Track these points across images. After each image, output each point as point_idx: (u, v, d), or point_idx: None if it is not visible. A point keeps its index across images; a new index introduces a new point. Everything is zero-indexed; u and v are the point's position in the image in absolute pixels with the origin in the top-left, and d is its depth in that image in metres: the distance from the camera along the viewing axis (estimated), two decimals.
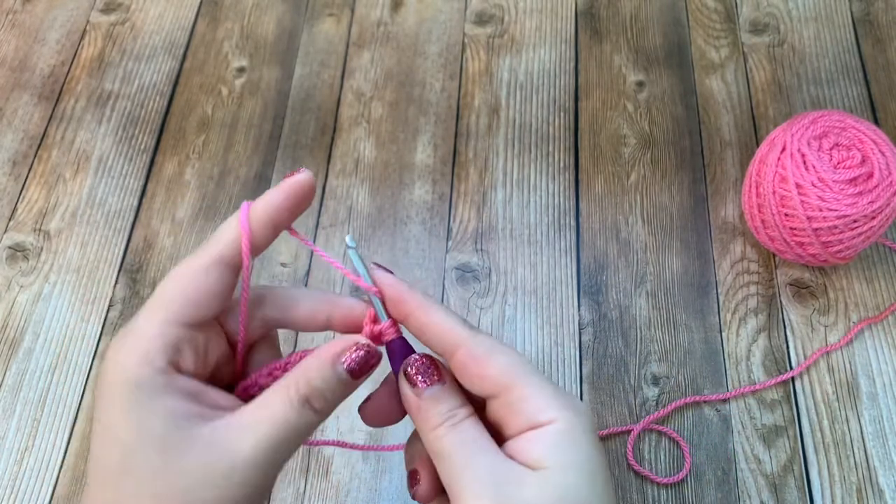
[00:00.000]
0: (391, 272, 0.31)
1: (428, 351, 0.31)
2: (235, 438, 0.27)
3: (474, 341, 0.29)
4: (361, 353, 0.30)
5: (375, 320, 0.31)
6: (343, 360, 0.29)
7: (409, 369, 0.30)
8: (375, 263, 0.32)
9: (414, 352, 0.31)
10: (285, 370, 0.31)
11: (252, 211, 0.30)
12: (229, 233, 0.30)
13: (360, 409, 0.33)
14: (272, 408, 0.28)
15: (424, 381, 0.30)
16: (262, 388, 0.31)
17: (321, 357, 0.30)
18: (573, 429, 0.28)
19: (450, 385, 0.30)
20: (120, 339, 0.28)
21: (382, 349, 0.31)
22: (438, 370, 0.30)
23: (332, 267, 0.61)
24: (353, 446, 0.40)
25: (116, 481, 0.27)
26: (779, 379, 0.55)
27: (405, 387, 0.30)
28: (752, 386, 0.55)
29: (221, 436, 0.27)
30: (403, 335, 0.32)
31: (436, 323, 0.30)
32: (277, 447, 0.28)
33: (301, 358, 0.31)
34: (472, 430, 0.29)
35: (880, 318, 0.57)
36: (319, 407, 0.29)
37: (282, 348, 0.35)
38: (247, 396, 0.30)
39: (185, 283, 0.29)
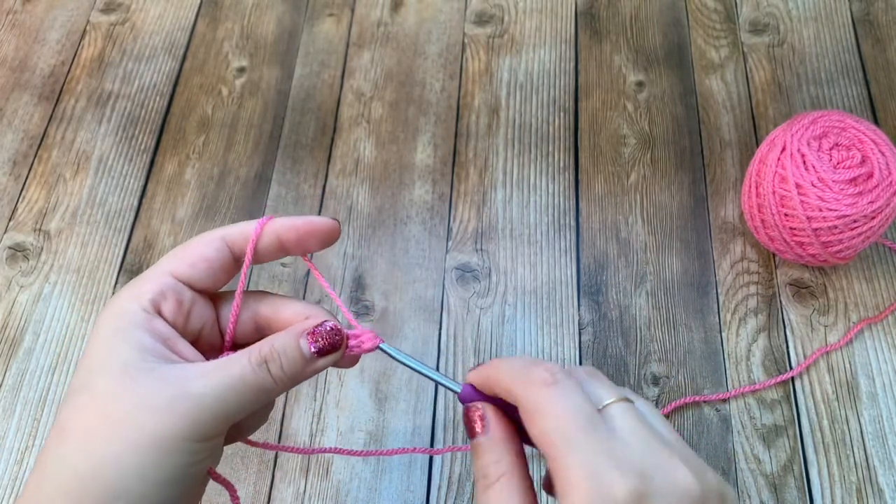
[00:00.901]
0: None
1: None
2: (188, 377, 0.29)
3: (526, 393, 0.28)
4: (325, 329, 0.32)
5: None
6: (307, 333, 0.32)
7: (465, 416, 0.31)
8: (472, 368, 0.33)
9: (483, 397, 0.32)
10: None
11: (270, 222, 0.33)
12: (242, 225, 0.33)
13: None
14: (231, 362, 0.30)
15: (471, 430, 0.31)
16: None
17: (290, 329, 0.32)
18: None
19: (496, 438, 0.30)
20: (124, 286, 0.32)
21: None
22: (483, 421, 0.30)
23: (332, 266, 0.61)
24: (350, 452, 0.40)
25: (75, 400, 0.29)
26: (778, 379, 0.55)
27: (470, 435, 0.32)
28: (753, 386, 0.55)
29: (176, 374, 0.29)
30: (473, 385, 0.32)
31: (497, 378, 0.30)
32: (226, 395, 0.29)
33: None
34: (501, 494, 0.28)
35: (880, 318, 0.57)
36: (275, 372, 0.30)
37: None
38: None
39: (189, 246, 0.32)
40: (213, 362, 0.30)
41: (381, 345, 0.34)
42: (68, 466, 0.27)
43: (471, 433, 0.31)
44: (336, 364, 0.33)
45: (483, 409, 0.31)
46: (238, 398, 0.29)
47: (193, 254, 0.32)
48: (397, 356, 0.34)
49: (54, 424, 0.29)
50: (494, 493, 0.28)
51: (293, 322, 0.33)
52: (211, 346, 0.33)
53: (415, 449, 0.52)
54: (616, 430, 0.27)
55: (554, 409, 0.27)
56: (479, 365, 0.32)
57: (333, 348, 0.32)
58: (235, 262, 0.33)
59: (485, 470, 0.29)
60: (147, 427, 0.28)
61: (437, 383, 0.33)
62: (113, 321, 0.30)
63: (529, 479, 0.29)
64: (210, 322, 0.33)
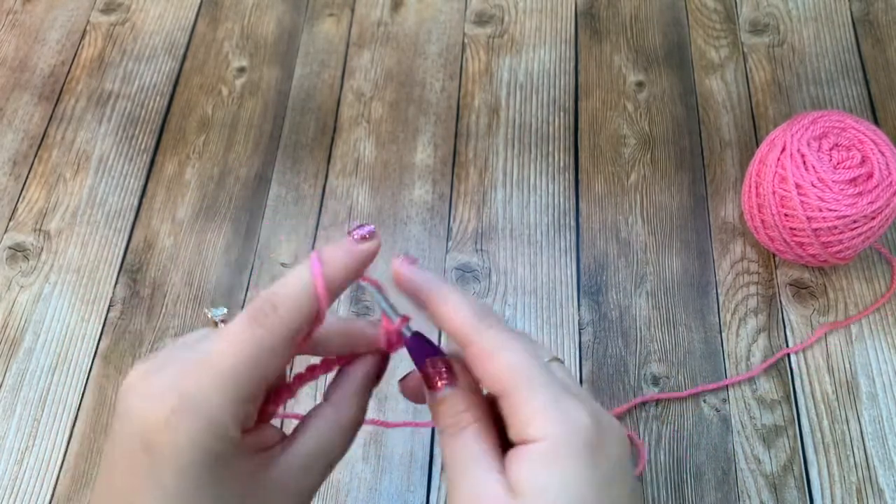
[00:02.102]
0: (415, 259, 0.32)
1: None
2: (299, 475, 0.29)
3: (483, 336, 0.28)
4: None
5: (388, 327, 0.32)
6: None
7: (423, 370, 0.31)
8: (404, 256, 0.32)
9: (431, 346, 0.31)
10: (312, 376, 0.33)
11: (326, 274, 0.29)
12: (298, 301, 0.28)
13: (399, 382, 0.34)
14: (320, 436, 0.30)
15: (434, 384, 0.30)
16: (292, 394, 0.32)
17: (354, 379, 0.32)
18: (558, 449, 0.26)
19: (463, 387, 0.30)
20: (175, 402, 0.26)
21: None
22: (450, 373, 0.30)
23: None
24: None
25: None
26: (742, 377, 0.55)
27: (417, 394, 0.32)
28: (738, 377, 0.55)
29: (289, 477, 0.29)
30: (421, 332, 0.32)
31: (449, 316, 0.30)
32: (326, 467, 0.30)
33: (326, 365, 0.33)
34: (470, 440, 0.28)
35: (845, 323, 0.57)
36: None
37: None
38: (275, 405, 0.31)
39: (257, 362, 0.27)
40: (305, 445, 0.30)
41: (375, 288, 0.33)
42: None
43: (433, 386, 0.30)
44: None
45: (447, 362, 0.30)
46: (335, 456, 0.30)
47: (269, 371, 0.28)
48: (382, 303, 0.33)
49: None
50: (465, 439, 0.28)
51: (339, 352, 0.33)
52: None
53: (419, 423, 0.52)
54: (560, 376, 0.29)
55: (514, 347, 0.28)
56: (412, 260, 0.32)
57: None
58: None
59: (454, 418, 0.29)
60: None
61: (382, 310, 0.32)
62: (199, 462, 0.25)
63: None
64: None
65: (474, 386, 0.30)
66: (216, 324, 0.31)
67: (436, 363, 0.30)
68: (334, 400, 0.31)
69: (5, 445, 0.54)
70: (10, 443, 0.55)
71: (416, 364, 0.31)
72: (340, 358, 0.33)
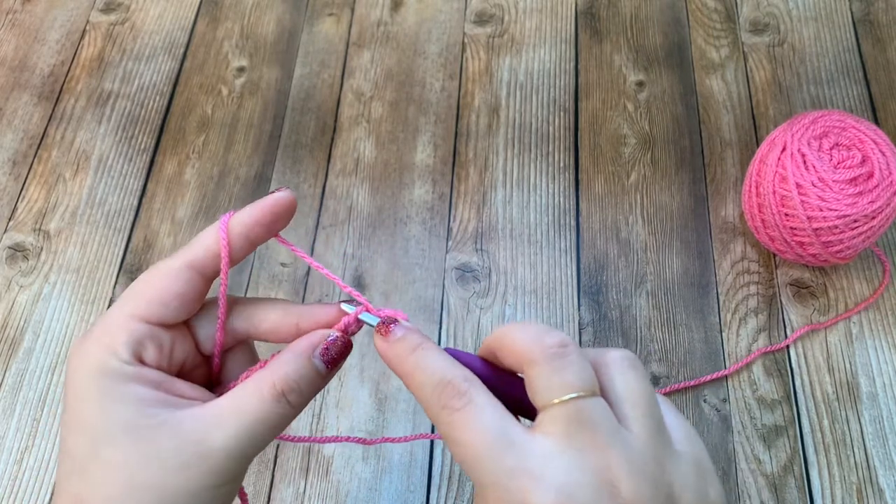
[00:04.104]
0: (394, 321, 0.31)
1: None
2: (207, 428, 0.28)
3: (438, 423, 0.27)
4: (337, 341, 0.30)
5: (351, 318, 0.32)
6: (318, 351, 0.30)
7: (379, 324, 0.30)
8: (393, 326, 0.31)
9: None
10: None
11: (233, 226, 0.30)
12: (204, 240, 0.30)
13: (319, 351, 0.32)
14: (246, 401, 0.28)
15: (388, 327, 0.30)
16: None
17: (296, 350, 0.30)
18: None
19: (411, 326, 0.30)
20: (87, 331, 0.29)
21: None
22: (396, 320, 0.30)
23: (330, 266, 0.61)
24: (351, 440, 0.39)
25: (86, 470, 0.27)
26: (714, 376, 0.55)
27: (378, 340, 0.30)
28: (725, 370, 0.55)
29: (193, 424, 0.27)
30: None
31: (414, 393, 0.29)
32: (250, 441, 0.28)
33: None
34: (478, 400, 0.27)
35: (825, 325, 0.57)
36: (294, 400, 0.29)
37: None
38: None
39: (154, 282, 0.29)
40: (224, 403, 0.28)
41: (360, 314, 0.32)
42: None
43: (386, 332, 0.30)
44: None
45: (390, 313, 0.31)
46: (261, 438, 0.28)
47: (163, 292, 0.29)
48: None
49: (63, 493, 0.27)
50: (475, 395, 0.27)
51: (275, 334, 0.31)
52: (194, 366, 0.32)
53: (419, 435, 0.52)
54: (541, 439, 0.26)
55: (461, 440, 0.26)
56: (387, 328, 0.31)
57: (344, 355, 0.31)
58: (206, 283, 0.31)
59: (419, 341, 0.29)
60: (174, 487, 0.27)
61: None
62: (96, 379, 0.27)
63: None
64: (192, 351, 0.31)
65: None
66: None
67: (389, 314, 0.31)
68: (271, 363, 0.30)
69: (5, 445, 0.54)
70: (9, 443, 0.55)
71: (370, 324, 0.31)
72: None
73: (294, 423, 0.54)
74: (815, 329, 0.57)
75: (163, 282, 0.29)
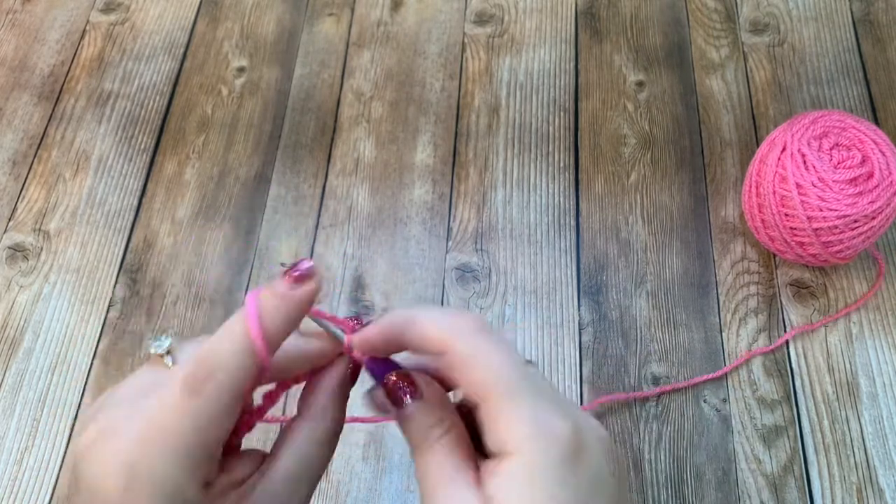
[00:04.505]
0: (360, 319, 0.30)
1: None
2: (281, 498, 0.28)
3: (459, 342, 0.27)
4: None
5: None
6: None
7: (385, 386, 0.29)
8: (349, 321, 0.30)
9: (390, 362, 0.30)
10: (278, 394, 0.31)
11: (266, 323, 0.27)
12: (235, 363, 0.27)
13: (366, 394, 0.32)
14: (304, 449, 0.29)
15: (399, 399, 0.29)
16: (261, 415, 0.31)
17: (327, 389, 0.30)
18: (535, 464, 0.25)
19: (429, 398, 0.28)
20: (128, 476, 0.25)
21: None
22: (413, 386, 0.29)
23: (332, 266, 0.61)
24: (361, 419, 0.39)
25: None
26: (704, 378, 0.55)
27: (385, 402, 0.30)
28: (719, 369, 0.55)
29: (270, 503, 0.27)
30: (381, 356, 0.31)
31: (422, 331, 0.28)
32: (309, 484, 0.29)
33: (284, 386, 0.31)
34: (442, 455, 0.27)
35: (814, 326, 0.57)
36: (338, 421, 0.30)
37: None
38: (238, 436, 0.30)
39: (201, 430, 0.26)
40: (282, 464, 0.28)
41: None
42: None
43: (397, 402, 0.28)
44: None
45: (407, 375, 0.29)
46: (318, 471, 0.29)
47: (220, 439, 0.27)
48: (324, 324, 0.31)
49: None
50: (436, 454, 0.27)
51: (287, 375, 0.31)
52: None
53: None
54: (539, 383, 0.27)
55: (493, 352, 0.27)
56: (363, 322, 0.30)
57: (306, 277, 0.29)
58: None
59: (424, 433, 0.28)
60: None
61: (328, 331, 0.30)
62: None
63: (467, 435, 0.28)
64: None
65: (442, 397, 0.29)
66: (160, 356, 0.29)
67: (398, 377, 0.29)
68: (307, 413, 0.29)
69: (5, 445, 0.54)
70: (9, 443, 0.55)
71: (377, 381, 0.30)
72: (299, 377, 0.31)
73: None
74: (806, 331, 0.57)
75: (217, 430, 0.26)
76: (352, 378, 0.31)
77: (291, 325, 0.28)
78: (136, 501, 0.25)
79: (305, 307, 0.28)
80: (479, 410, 0.27)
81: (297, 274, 0.29)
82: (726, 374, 0.55)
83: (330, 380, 0.30)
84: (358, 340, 0.30)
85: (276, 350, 0.28)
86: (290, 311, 0.28)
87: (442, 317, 0.28)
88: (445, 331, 0.27)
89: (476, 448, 0.28)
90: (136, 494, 0.25)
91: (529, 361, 0.29)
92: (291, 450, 0.29)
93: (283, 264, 0.31)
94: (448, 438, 0.27)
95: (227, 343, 0.27)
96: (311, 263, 0.29)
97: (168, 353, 0.29)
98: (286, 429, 0.30)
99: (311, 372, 0.31)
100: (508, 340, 0.29)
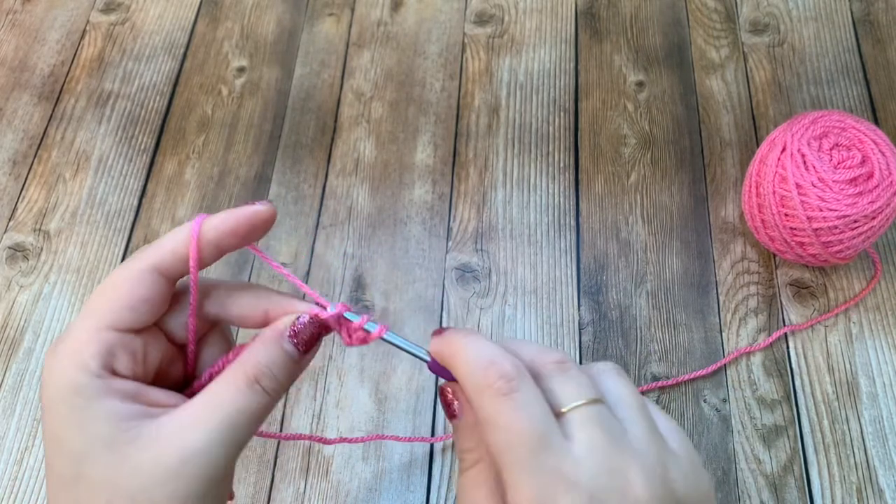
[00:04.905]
0: (444, 329, 0.30)
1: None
2: (184, 431, 0.27)
3: (482, 403, 0.27)
4: (307, 325, 0.30)
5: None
6: (287, 336, 0.30)
7: (441, 394, 0.30)
8: (436, 330, 0.30)
9: (450, 376, 0.30)
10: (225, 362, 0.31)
11: (204, 231, 0.29)
12: (172, 243, 0.29)
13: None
14: (220, 395, 0.28)
15: (447, 412, 0.30)
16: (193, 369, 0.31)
17: (265, 337, 0.30)
18: None
19: (465, 424, 0.29)
20: (54, 346, 0.28)
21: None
22: (452, 405, 0.29)
23: (332, 266, 0.61)
24: (353, 440, 0.39)
25: (70, 489, 0.27)
26: (706, 371, 0.55)
27: (435, 339, 0.30)
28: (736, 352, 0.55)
29: (170, 431, 0.27)
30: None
31: (459, 379, 0.28)
32: (230, 434, 0.27)
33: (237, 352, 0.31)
34: (475, 479, 0.28)
35: (804, 326, 0.57)
36: (269, 386, 0.29)
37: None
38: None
39: (118, 288, 0.29)
40: (198, 403, 0.28)
41: (384, 335, 0.31)
42: None
43: (448, 414, 0.29)
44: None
45: (454, 391, 0.29)
46: (242, 430, 0.28)
47: (130, 297, 0.28)
48: (394, 340, 0.31)
49: None
50: (468, 480, 0.28)
51: (245, 320, 0.31)
52: (172, 363, 0.31)
53: (412, 438, 0.52)
54: (573, 443, 0.26)
55: (507, 423, 0.26)
56: (443, 330, 0.30)
57: (317, 338, 0.30)
58: (171, 284, 0.30)
59: (461, 454, 0.28)
60: (161, 498, 0.26)
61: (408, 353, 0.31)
62: (67, 397, 0.27)
63: None
64: (165, 347, 0.31)
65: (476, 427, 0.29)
66: None
67: (445, 392, 0.29)
68: (242, 352, 0.29)
69: (5, 445, 0.54)
70: (9, 443, 0.55)
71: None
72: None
73: (295, 423, 0.54)
74: (800, 328, 0.57)
75: (128, 287, 0.28)
76: (306, 343, 0.30)
77: (231, 227, 0.30)
78: (53, 363, 0.28)
79: (249, 219, 0.30)
80: (500, 471, 0.27)
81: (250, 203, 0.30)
82: (726, 375, 0.55)
83: (273, 326, 0.30)
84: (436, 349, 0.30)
85: (217, 251, 0.30)
86: (230, 216, 0.30)
87: (476, 364, 0.27)
88: (477, 386, 0.27)
89: None
90: (55, 357, 0.28)
91: (594, 400, 0.27)
92: (213, 385, 0.29)
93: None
94: (477, 469, 0.28)
95: (170, 232, 0.30)
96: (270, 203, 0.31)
97: None
98: (217, 369, 0.30)
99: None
100: (545, 390, 0.27)
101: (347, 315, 0.31)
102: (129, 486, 0.26)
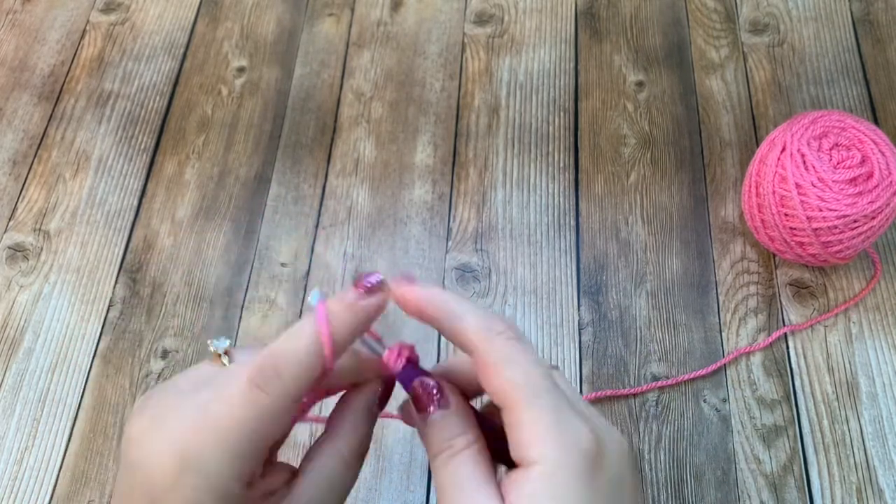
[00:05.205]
0: (412, 276, 0.31)
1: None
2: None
3: (489, 346, 0.27)
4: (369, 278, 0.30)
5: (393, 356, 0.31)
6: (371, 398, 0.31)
7: (414, 391, 0.30)
8: (400, 276, 0.31)
9: (420, 370, 0.30)
10: (310, 405, 0.32)
11: (334, 328, 0.28)
12: (302, 366, 0.28)
13: (400, 409, 0.32)
14: (331, 470, 0.29)
15: (426, 407, 0.29)
16: (305, 410, 0.32)
17: (356, 411, 0.31)
18: (557, 474, 0.25)
19: (455, 410, 0.29)
20: (179, 462, 0.26)
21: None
22: (442, 396, 0.29)
23: (330, 266, 0.61)
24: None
25: None
26: (705, 371, 0.55)
27: (412, 410, 0.30)
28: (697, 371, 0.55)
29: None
30: (414, 362, 0.31)
31: (457, 327, 0.29)
32: (336, 500, 0.29)
33: (316, 396, 0.32)
34: (465, 466, 0.27)
35: (803, 326, 0.57)
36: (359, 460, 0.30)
37: None
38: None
39: (259, 425, 0.27)
40: (311, 483, 0.29)
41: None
42: None
43: (422, 408, 0.29)
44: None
45: (437, 384, 0.29)
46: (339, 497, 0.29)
47: (270, 440, 0.28)
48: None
49: None
50: (460, 464, 0.27)
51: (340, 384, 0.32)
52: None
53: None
54: (563, 390, 0.28)
55: (522, 360, 0.27)
56: (411, 278, 0.30)
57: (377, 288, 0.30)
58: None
59: (448, 442, 0.28)
60: None
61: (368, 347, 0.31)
62: (208, 490, 0.26)
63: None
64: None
65: (467, 410, 0.29)
66: (218, 356, 0.30)
67: (426, 385, 0.29)
68: (334, 432, 0.30)
69: (5, 445, 0.54)
70: (9, 443, 0.55)
71: (404, 387, 0.30)
72: (332, 390, 0.32)
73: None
74: (799, 329, 0.57)
75: (271, 430, 0.27)
76: (382, 401, 0.31)
77: (356, 333, 0.29)
78: (183, 488, 0.25)
79: (371, 318, 0.29)
80: (503, 415, 0.27)
81: (368, 286, 0.30)
82: (725, 375, 0.56)
83: (360, 399, 0.31)
84: (401, 293, 0.30)
85: (341, 356, 0.29)
86: (356, 319, 0.29)
87: (480, 317, 0.28)
88: (481, 331, 0.28)
89: (499, 460, 0.28)
90: (185, 481, 0.25)
91: (555, 367, 0.30)
92: (318, 467, 0.29)
93: (283, 265, 0.31)
94: (472, 450, 0.28)
95: (296, 344, 0.28)
96: (381, 277, 0.30)
97: (226, 353, 0.30)
98: (314, 446, 0.30)
99: (344, 390, 0.31)
100: (534, 349, 0.29)
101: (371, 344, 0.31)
102: None
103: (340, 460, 0.29)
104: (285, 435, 0.31)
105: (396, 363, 0.30)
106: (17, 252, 0.63)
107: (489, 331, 0.28)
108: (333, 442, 0.30)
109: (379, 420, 0.46)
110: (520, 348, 0.27)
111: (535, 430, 0.26)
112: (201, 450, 0.26)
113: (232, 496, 0.26)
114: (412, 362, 0.31)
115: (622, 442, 0.28)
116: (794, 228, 0.55)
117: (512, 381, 0.27)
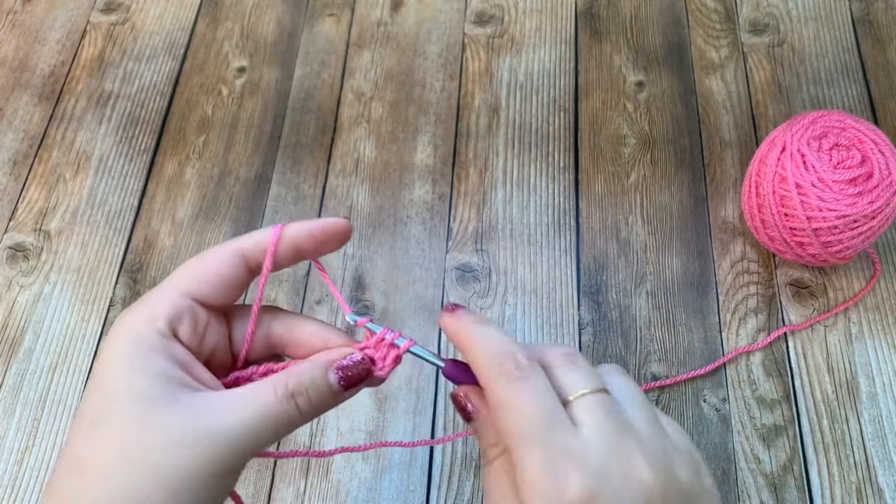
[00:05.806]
0: (457, 306, 0.31)
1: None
2: (216, 411, 0.28)
3: (494, 387, 0.28)
4: (358, 364, 0.31)
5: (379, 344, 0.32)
6: (335, 366, 0.31)
7: (455, 399, 0.31)
8: (448, 305, 0.32)
9: (466, 374, 0.31)
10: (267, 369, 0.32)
11: (286, 230, 0.32)
12: (255, 237, 0.32)
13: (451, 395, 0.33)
14: (257, 395, 0.29)
15: (462, 415, 0.31)
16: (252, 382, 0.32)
17: (315, 360, 0.31)
18: None
19: (485, 420, 0.30)
20: (133, 304, 0.30)
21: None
22: (468, 407, 0.31)
23: (332, 266, 0.61)
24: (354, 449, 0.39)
25: (92, 431, 0.28)
26: (705, 370, 0.55)
27: (445, 316, 0.31)
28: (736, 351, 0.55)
29: (203, 406, 0.28)
30: (456, 359, 0.32)
31: (471, 361, 0.30)
32: (254, 432, 0.28)
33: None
34: (498, 473, 0.29)
35: (803, 326, 0.57)
36: (303, 405, 0.30)
37: None
38: (234, 386, 0.32)
39: (201, 262, 0.31)
40: (237, 393, 0.29)
41: (410, 348, 0.32)
42: (87, 501, 0.26)
43: (465, 418, 0.31)
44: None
45: (467, 394, 0.31)
46: (265, 433, 0.29)
47: (210, 271, 0.31)
48: (420, 353, 0.32)
49: (66, 453, 0.28)
50: (492, 472, 0.29)
51: (307, 343, 0.32)
52: (222, 364, 0.32)
53: (416, 443, 0.52)
54: (580, 427, 0.27)
55: (517, 405, 0.27)
56: (455, 307, 0.31)
57: (361, 380, 0.31)
58: (249, 274, 0.32)
59: (485, 450, 0.30)
60: (172, 464, 0.27)
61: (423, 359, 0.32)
62: (128, 345, 0.28)
63: None
64: (223, 341, 0.32)
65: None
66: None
67: (458, 397, 0.31)
68: (289, 366, 0.31)
69: (5, 445, 0.54)
70: (10, 443, 0.55)
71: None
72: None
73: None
74: (798, 329, 0.57)
75: (211, 262, 0.31)
76: (350, 380, 0.31)
77: (310, 233, 0.32)
78: (130, 312, 0.30)
79: (327, 230, 0.32)
80: (510, 454, 0.28)
81: (346, 364, 0.32)
82: (725, 374, 0.56)
83: (323, 357, 0.31)
84: (440, 323, 0.31)
85: (294, 254, 0.32)
86: (312, 223, 0.32)
87: (489, 354, 0.29)
88: (490, 370, 0.29)
89: None
90: (133, 309, 0.30)
91: (600, 390, 0.29)
92: (246, 410, 0.29)
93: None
94: (501, 461, 0.29)
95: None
96: (361, 356, 0.32)
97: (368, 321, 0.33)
98: (262, 374, 0.32)
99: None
100: (553, 379, 0.29)
101: (370, 326, 0.32)
102: (147, 441, 0.27)
103: (282, 386, 0.29)
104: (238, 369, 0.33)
105: (378, 348, 0.32)
106: (18, 252, 0.63)
107: (496, 369, 0.28)
108: (282, 372, 0.30)
109: (379, 420, 0.46)
110: (521, 390, 0.28)
111: (524, 477, 0.27)
112: (153, 294, 0.30)
113: (153, 327, 0.29)
114: (456, 361, 0.32)
115: (646, 482, 0.26)
116: (794, 228, 0.55)
117: (506, 427, 0.28)
